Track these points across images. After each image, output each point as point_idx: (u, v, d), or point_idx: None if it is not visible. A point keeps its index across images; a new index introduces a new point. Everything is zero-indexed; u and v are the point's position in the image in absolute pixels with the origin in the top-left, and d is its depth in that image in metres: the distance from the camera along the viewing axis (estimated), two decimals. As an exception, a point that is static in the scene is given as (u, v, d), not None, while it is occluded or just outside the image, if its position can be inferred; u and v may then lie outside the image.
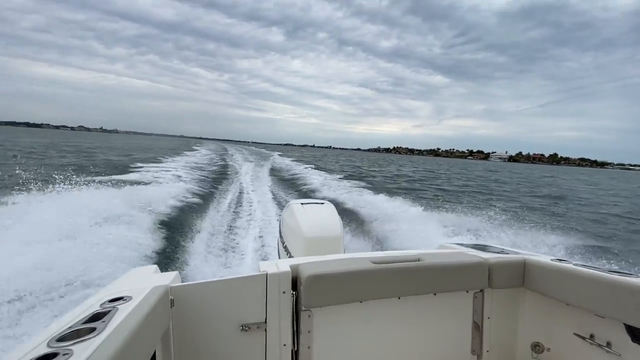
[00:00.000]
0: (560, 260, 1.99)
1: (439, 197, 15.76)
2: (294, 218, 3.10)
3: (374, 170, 35.80)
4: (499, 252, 2.20)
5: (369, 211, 9.72)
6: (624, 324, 1.63)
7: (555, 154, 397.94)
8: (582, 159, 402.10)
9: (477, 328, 2.06)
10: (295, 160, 38.45)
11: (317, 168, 28.47)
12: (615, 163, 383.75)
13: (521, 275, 2.04)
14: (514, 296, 2.11)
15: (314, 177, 19.87)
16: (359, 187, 16.51)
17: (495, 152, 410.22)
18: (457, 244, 2.52)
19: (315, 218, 3.07)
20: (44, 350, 0.93)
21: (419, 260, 1.90)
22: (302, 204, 3.38)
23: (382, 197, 12.25)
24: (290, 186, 17.36)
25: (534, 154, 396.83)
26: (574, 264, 1.89)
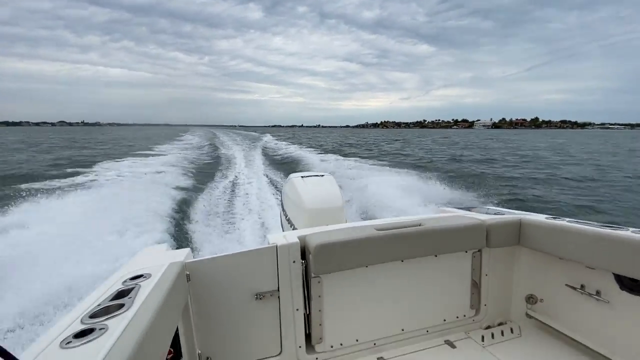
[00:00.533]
0: (555, 217, 2.09)
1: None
2: (295, 191, 3.15)
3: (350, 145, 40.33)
4: (496, 214, 2.30)
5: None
6: (613, 273, 1.73)
7: (537, 118, 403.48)
8: (563, 121, 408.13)
9: (476, 285, 2.18)
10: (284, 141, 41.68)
11: (310, 147, 33.03)
12: (596, 123, 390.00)
13: (517, 233, 2.14)
14: (510, 254, 2.23)
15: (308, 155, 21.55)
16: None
17: (479, 120, 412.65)
18: (456, 207, 2.63)
19: (316, 190, 3.12)
20: (80, 326, 0.97)
21: (420, 225, 1.98)
22: (302, 177, 3.42)
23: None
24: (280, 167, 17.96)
25: (516, 119, 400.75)
26: (568, 221, 1.97)
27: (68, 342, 0.89)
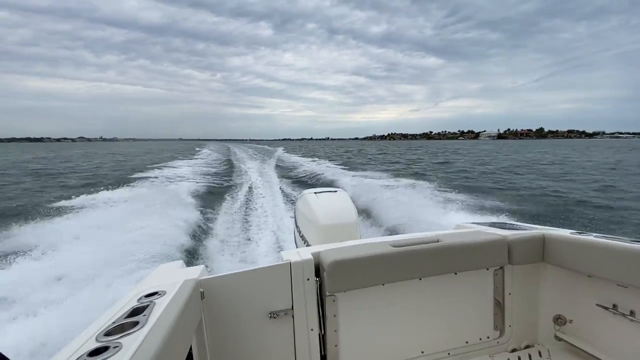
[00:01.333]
0: (580, 232, 1.98)
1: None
2: (309, 207, 3.10)
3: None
4: (516, 229, 2.19)
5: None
6: None
7: (542, 129, 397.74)
8: (570, 131, 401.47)
9: (499, 304, 2.06)
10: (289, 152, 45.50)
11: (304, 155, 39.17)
12: (606, 133, 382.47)
13: (541, 250, 2.03)
14: (534, 271, 2.10)
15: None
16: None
17: (485, 131, 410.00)
18: (474, 223, 2.51)
19: (329, 206, 3.07)
20: (95, 344, 0.95)
21: (437, 241, 1.90)
22: (315, 193, 3.37)
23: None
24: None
25: (522, 130, 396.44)
26: (595, 236, 1.87)
27: None
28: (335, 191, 3.48)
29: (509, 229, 2.22)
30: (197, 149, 60.07)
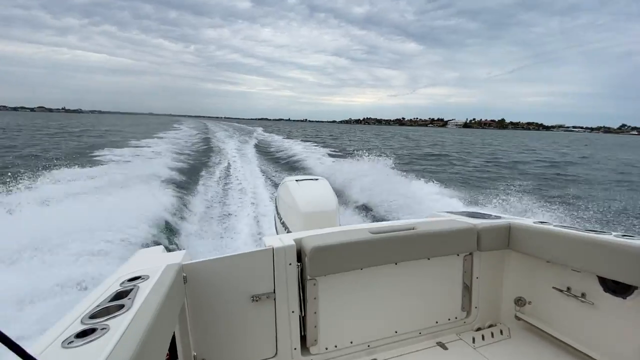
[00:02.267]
0: (542, 222, 2.11)
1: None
2: (290, 195, 3.09)
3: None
4: (486, 218, 2.30)
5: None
6: (597, 276, 1.75)
7: (503, 120, 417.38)
8: (530, 123, 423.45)
9: (467, 288, 2.18)
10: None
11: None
12: (562, 126, 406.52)
13: (507, 237, 2.15)
14: (500, 257, 2.23)
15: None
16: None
17: (453, 120, 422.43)
18: (448, 212, 2.62)
19: (310, 194, 3.08)
20: (81, 326, 0.94)
21: (413, 229, 1.98)
22: (296, 180, 3.37)
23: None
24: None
25: (485, 120, 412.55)
26: (554, 225, 2.00)
27: (70, 342, 0.86)
28: (317, 179, 3.48)
29: (480, 217, 2.33)
30: (175, 125, 57.35)
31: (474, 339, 2.09)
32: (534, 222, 2.12)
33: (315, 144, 28.48)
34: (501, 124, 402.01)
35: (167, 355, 1.38)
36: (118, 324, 0.93)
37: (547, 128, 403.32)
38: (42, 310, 3.24)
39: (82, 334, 0.89)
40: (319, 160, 17.33)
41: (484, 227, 2.11)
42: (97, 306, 1.07)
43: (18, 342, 0.53)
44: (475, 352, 1.99)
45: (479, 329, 2.20)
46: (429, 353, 1.99)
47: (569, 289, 1.93)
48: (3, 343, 0.51)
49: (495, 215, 2.45)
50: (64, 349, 0.84)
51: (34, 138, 27.43)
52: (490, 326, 2.23)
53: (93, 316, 1.00)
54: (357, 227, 2.11)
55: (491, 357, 1.94)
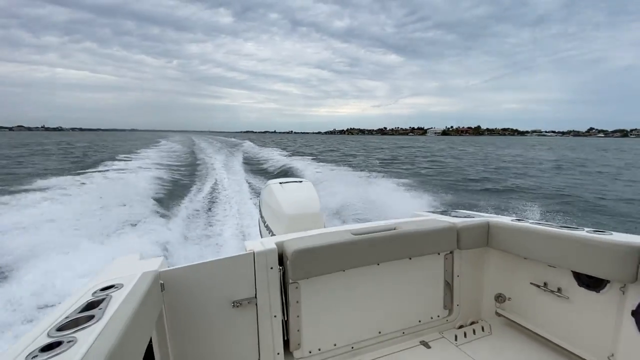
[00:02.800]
0: (519, 220, 2.12)
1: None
2: (274, 198, 3.04)
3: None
4: (465, 217, 2.30)
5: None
6: (571, 271, 1.78)
7: (479, 127, 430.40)
8: (505, 129, 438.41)
9: (448, 286, 2.17)
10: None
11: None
12: (534, 131, 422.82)
13: (485, 235, 2.16)
14: (479, 255, 2.24)
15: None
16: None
17: (432, 128, 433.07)
18: (428, 211, 2.63)
19: (294, 196, 3.02)
20: (47, 340, 0.89)
21: (394, 229, 1.96)
22: (280, 183, 3.30)
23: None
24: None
25: (462, 128, 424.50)
26: (531, 222, 2.02)
27: (34, 357, 0.82)
28: (301, 181, 3.44)
29: (460, 217, 2.34)
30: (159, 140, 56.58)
31: (456, 336, 2.08)
32: (512, 220, 2.13)
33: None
34: (477, 131, 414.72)
35: None
36: (87, 336, 0.88)
37: (522, 133, 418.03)
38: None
39: (47, 348, 0.85)
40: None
41: (463, 225, 2.11)
42: (66, 318, 1.01)
43: None
44: (458, 350, 1.98)
45: (461, 327, 2.20)
46: (412, 352, 1.97)
47: (545, 284, 1.95)
48: None
49: (475, 214, 2.47)
50: None
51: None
52: (472, 323, 2.23)
53: (60, 328, 0.95)
54: (338, 228, 2.09)
55: (473, 354, 1.93)
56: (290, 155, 26.43)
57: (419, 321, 2.11)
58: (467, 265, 2.22)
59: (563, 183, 16.01)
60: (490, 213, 2.50)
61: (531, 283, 2.03)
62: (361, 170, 16.79)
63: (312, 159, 23.95)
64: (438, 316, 2.17)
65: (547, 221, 2.08)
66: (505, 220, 2.16)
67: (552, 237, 1.79)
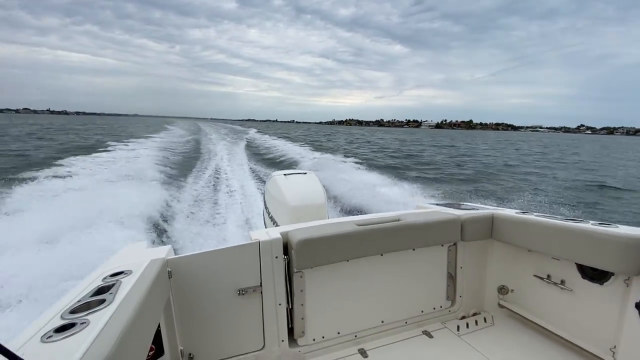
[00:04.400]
0: (524, 212, 2.07)
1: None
2: (278, 189, 3.00)
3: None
4: (470, 209, 2.25)
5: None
6: (575, 263, 1.74)
7: (471, 121, 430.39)
8: (497, 124, 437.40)
9: (451, 277, 2.13)
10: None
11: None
12: (526, 127, 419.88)
13: (490, 227, 2.11)
14: (483, 247, 2.19)
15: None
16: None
17: (426, 121, 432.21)
18: (433, 203, 2.56)
19: (299, 187, 2.98)
20: (60, 321, 0.90)
21: (399, 220, 1.93)
22: (284, 174, 3.26)
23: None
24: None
25: (454, 122, 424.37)
26: (535, 215, 1.96)
27: (49, 337, 0.83)
28: (305, 173, 3.39)
29: (463, 209, 2.27)
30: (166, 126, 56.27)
31: (458, 327, 2.05)
32: (516, 212, 2.08)
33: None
34: (469, 125, 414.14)
35: (152, 349, 1.35)
36: (98, 319, 0.89)
37: (516, 128, 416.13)
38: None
39: (61, 329, 0.86)
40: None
41: (467, 217, 2.07)
42: (78, 301, 1.03)
43: None
44: (460, 340, 1.95)
45: (463, 317, 2.16)
46: (415, 342, 1.94)
47: (549, 276, 1.91)
48: None
49: (479, 206, 2.41)
50: (42, 344, 0.81)
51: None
52: (474, 314, 2.20)
53: (73, 311, 0.97)
54: (343, 219, 2.05)
55: (475, 344, 1.90)
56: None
57: (422, 311, 2.07)
58: (471, 256, 2.17)
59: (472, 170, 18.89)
60: (495, 206, 2.46)
61: (534, 275, 1.99)
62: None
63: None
64: (441, 307, 2.13)
65: (550, 214, 2.04)
66: (510, 212, 2.11)
67: (557, 230, 1.75)
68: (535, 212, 2.06)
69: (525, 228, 1.92)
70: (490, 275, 2.23)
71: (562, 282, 1.84)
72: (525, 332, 2.00)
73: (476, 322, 2.10)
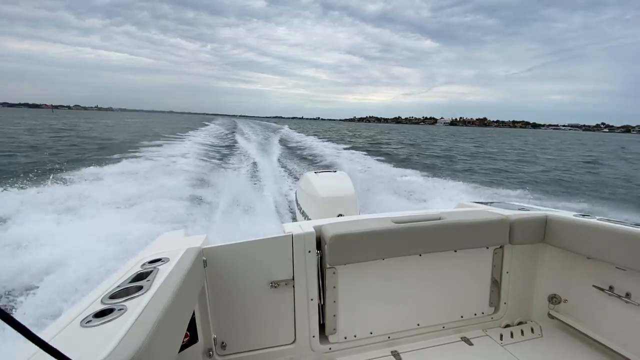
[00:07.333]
0: (583, 215, 1.80)
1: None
2: (310, 185, 2.90)
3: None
4: (520, 209, 1.99)
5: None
6: None
7: (485, 118, 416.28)
8: (514, 121, 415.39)
9: (496, 282, 1.89)
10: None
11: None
12: (547, 124, 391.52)
13: (542, 230, 1.84)
14: (533, 251, 1.93)
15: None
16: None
17: (442, 118, 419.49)
18: (476, 202, 2.30)
19: (329, 182, 2.89)
20: (100, 306, 0.89)
21: (439, 219, 1.72)
22: (316, 172, 3.21)
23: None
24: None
25: (468, 119, 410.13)
26: (598, 219, 1.69)
27: (88, 321, 0.82)
28: (335, 171, 3.34)
29: (512, 208, 2.02)
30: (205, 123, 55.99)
31: (501, 335, 1.82)
32: (574, 215, 1.82)
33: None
34: (483, 122, 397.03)
35: (187, 335, 1.31)
36: (136, 305, 0.87)
37: (536, 126, 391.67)
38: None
39: (100, 314, 0.85)
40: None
41: (517, 218, 1.81)
42: (117, 287, 1.01)
43: (33, 327, 0.48)
44: (503, 350, 1.72)
45: (507, 326, 1.92)
46: (453, 348, 1.75)
47: (611, 287, 1.64)
48: (20, 332, 0.47)
49: (530, 207, 2.13)
50: (82, 328, 0.79)
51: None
52: (519, 323, 1.95)
53: (113, 296, 0.95)
54: (379, 215, 1.87)
55: (520, 355, 1.67)
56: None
57: (461, 317, 1.86)
58: (519, 261, 1.92)
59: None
60: (548, 207, 2.18)
61: (594, 285, 1.71)
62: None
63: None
64: (482, 313, 1.91)
65: (615, 218, 1.77)
66: (567, 214, 1.83)
67: (624, 236, 1.48)
68: (597, 216, 1.77)
69: (586, 233, 1.65)
70: (541, 282, 1.97)
71: (628, 295, 1.57)
72: (579, 346, 1.74)
73: (522, 331, 1.86)
